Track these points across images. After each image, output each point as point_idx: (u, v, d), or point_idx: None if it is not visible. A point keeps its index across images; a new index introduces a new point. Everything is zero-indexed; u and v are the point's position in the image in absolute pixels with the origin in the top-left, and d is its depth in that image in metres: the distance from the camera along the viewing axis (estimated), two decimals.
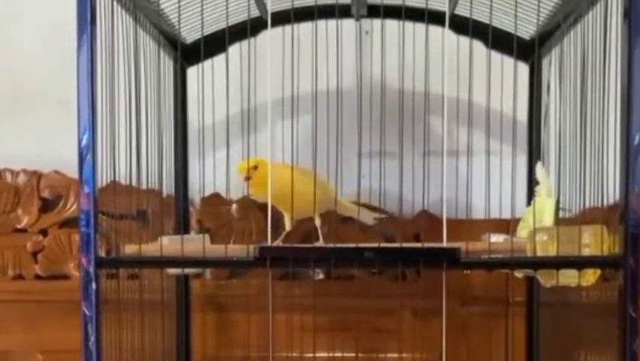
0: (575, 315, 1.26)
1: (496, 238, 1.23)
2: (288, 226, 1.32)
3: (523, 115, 1.40)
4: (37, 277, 1.64)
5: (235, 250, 1.16)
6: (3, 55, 1.67)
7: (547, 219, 1.21)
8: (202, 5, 1.20)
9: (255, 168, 1.29)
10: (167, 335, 1.41)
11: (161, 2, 1.24)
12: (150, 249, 1.16)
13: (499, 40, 1.25)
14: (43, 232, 1.64)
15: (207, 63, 1.30)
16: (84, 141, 1.07)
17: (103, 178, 1.11)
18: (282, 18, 1.26)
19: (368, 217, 1.41)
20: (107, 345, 1.13)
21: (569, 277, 1.12)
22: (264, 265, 1.12)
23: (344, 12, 1.34)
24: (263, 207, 1.50)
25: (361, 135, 1.21)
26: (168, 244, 1.20)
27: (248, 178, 1.29)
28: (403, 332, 1.56)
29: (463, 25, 1.24)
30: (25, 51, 1.67)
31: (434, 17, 1.22)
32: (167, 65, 1.38)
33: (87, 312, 1.08)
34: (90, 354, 1.08)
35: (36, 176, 1.64)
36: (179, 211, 1.45)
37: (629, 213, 1.05)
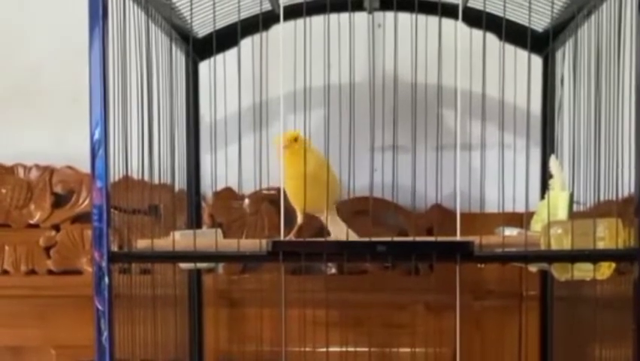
0: (589, 309, 1.25)
1: (510, 232, 1.23)
2: (300, 219, 1.31)
3: (536, 108, 1.39)
4: (50, 272, 1.64)
5: (247, 244, 1.15)
6: (17, 51, 1.68)
7: (562, 213, 1.20)
8: None
9: (296, 140, 1.27)
10: (180, 329, 1.40)
11: None
12: (162, 243, 1.16)
13: (513, 33, 1.24)
14: (56, 227, 1.64)
15: (219, 57, 1.30)
16: (96, 136, 1.07)
17: (115, 173, 1.11)
18: (294, 11, 1.25)
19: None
20: (120, 340, 1.13)
21: (583, 271, 1.11)
22: (276, 260, 1.11)
23: (356, 5, 1.34)
24: (275, 201, 1.51)
25: (374, 129, 1.20)
26: (180, 238, 1.20)
27: (285, 147, 1.26)
28: (416, 327, 1.56)
29: (476, 18, 1.23)
30: (38, 47, 1.67)
31: (447, 10, 1.22)
32: (179, 59, 1.38)
33: (100, 307, 1.08)
34: (103, 349, 1.08)
35: (48, 171, 1.64)
36: (191, 206, 1.45)
37: None
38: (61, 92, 1.65)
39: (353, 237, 1.28)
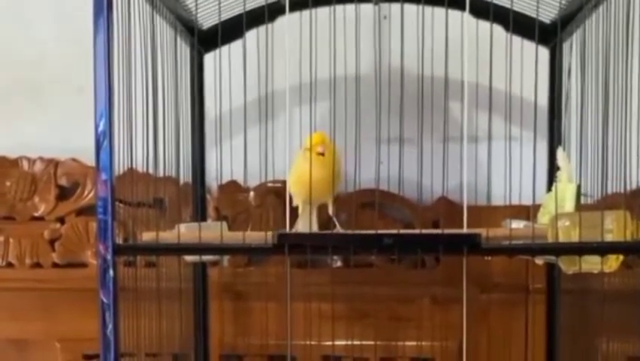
0: (596, 302, 1.25)
1: (517, 224, 1.22)
2: (300, 210, 1.30)
3: (543, 100, 1.38)
4: (55, 265, 1.64)
5: (253, 237, 1.15)
6: (20, 41, 1.67)
7: (569, 205, 1.20)
8: None
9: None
10: (185, 323, 1.40)
11: None
12: (167, 236, 1.16)
13: (520, 25, 1.23)
14: (61, 220, 1.64)
15: (224, 49, 1.30)
16: (101, 127, 1.06)
17: (120, 165, 1.10)
18: (300, 3, 1.24)
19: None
20: (125, 333, 1.12)
21: (591, 264, 1.11)
22: (282, 252, 1.11)
23: None
24: (281, 194, 1.50)
25: (380, 121, 1.20)
26: (185, 231, 1.20)
27: (322, 154, 1.25)
28: (422, 320, 1.56)
29: (483, 10, 1.23)
30: (43, 38, 1.67)
31: (454, 1, 1.21)
32: (184, 51, 1.37)
33: (105, 300, 1.08)
34: (108, 342, 1.08)
35: (53, 164, 1.63)
36: (197, 199, 1.45)
37: None
38: (65, 84, 1.65)
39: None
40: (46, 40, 1.66)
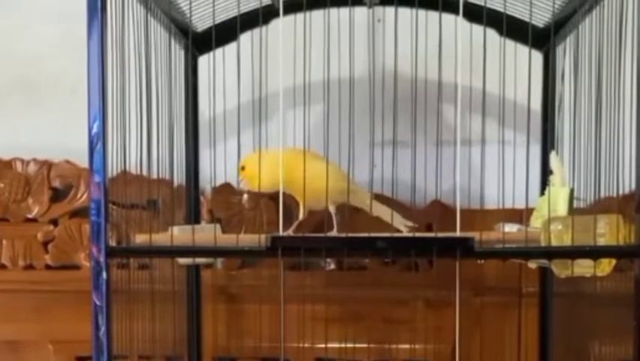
0: (588, 306, 1.25)
1: (510, 228, 1.22)
2: (301, 215, 1.30)
3: (537, 104, 1.39)
4: (48, 267, 1.64)
5: (246, 239, 1.15)
6: (15, 43, 1.67)
7: (562, 209, 1.20)
8: None
9: (243, 168, 1.30)
10: (178, 325, 1.40)
11: None
12: (161, 238, 1.16)
13: (513, 28, 1.24)
14: (54, 222, 1.64)
15: (218, 52, 1.30)
16: (94, 129, 1.06)
17: (113, 167, 1.10)
18: (294, 6, 1.25)
19: (399, 223, 1.34)
20: (118, 335, 1.12)
21: (583, 267, 1.11)
22: (275, 255, 1.11)
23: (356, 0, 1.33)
24: (274, 196, 1.50)
25: (373, 124, 1.20)
26: (179, 233, 1.19)
27: (242, 180, 1.31)
28: (415, 323, 1.56)
29: (476, 13, 1.23)
30: (37, 40, 1.66)
31: (447, 5, 1.21)
32: (178, 53, 1.37)
33: (98, 302, 1.07)
34: (101, 344, 1.08)
35: (47, 165, 1.63)
36: (190, 201, 1.44)
37: None
38: (59, 85, 1.65)
39: (398, 219, 1.31)
40: (41, 41, 1.66)
